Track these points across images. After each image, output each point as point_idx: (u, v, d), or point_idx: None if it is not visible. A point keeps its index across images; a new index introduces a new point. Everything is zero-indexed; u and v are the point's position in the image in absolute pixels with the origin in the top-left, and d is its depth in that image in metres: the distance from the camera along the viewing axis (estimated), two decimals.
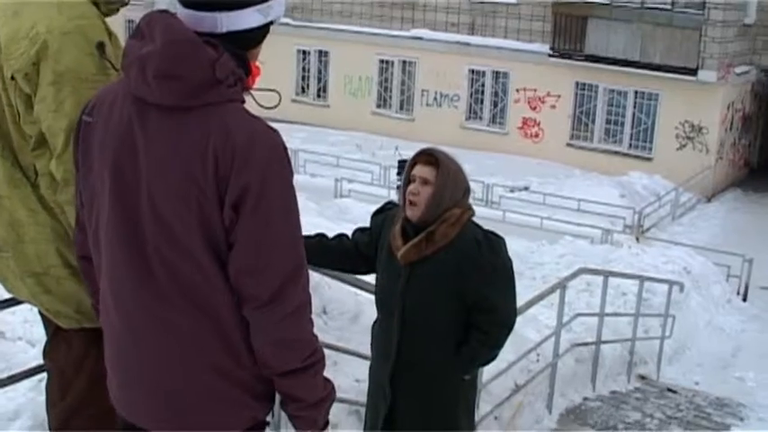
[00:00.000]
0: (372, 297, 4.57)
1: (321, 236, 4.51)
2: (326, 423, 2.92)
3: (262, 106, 2.76)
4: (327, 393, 2.84)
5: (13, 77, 3.16)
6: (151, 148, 2.56)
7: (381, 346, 4.42)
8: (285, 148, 2.62)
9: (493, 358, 4.52)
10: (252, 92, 2.74)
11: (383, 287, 4.40)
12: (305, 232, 2.78)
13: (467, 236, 4.19)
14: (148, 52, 2.53)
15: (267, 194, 2.53)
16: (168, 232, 2.56)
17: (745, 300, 19.38)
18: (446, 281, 4.18)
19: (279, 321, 2.61)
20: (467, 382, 4.46)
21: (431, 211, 4.16)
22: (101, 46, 3.15)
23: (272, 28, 2.77)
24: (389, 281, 4.32)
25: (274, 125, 2.62)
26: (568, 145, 30.71)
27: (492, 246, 4.21)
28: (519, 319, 4.40)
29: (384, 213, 4.50)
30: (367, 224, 4.55)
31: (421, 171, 4.20)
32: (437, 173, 4.17)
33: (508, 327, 4.31)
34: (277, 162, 2.57)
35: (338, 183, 26.22)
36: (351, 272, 4.79)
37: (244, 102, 2.66)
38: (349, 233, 4.57)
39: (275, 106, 2.79)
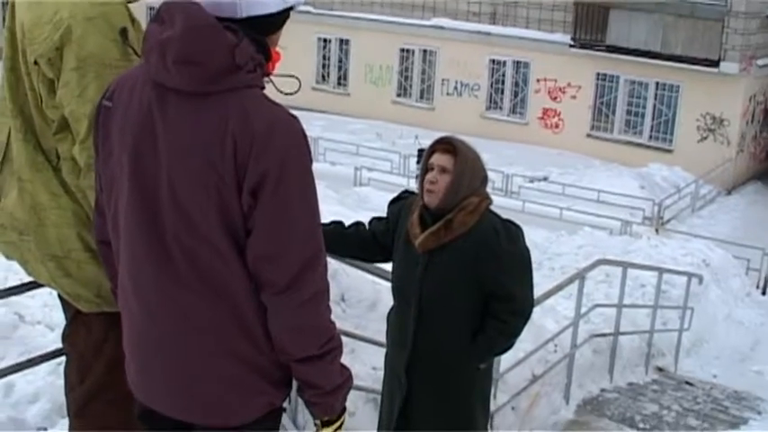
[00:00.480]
0: (390, 285, 4.57)
1: (337, 223, 4.51)
2: (343, 410, 2.93)
3: (282, 92, 2.75)
4: (344, 380, 2.84)
5: (36, 62, 3.16)
6: (170, 134, 2.57)
7: (397, 334, 4.42)
8: (305, 135, 2.61)
9: (509, 347, 4.52)
10: (272, 78, 2.74)
11: (400, 275, 4.40)
12: (323, 220, 2.78)
13: (485, 224, 4.18)
14: (168, 37, 2.53)
15: (286, 180, 2.52)
16: (187, 218, 2.57)
17: (764, 293, 19.33)
18: (464, 269, 4.18)
19: (296, 308, 2.61)
20: (482, 372, 4.46)
21: (449, 199, 4.16)
22: (124, 32, 3.15)
23: (292, 16, 2.76)
24: (407, 269, 4.32)
25: (294, 113, 2.62)
26: (588, 136, 30.63)
27: (510, 234, 4.21)
28: (537, 310, 4.41)
29: (401, 202, 4.50)
30: (385, 211, 4.55)
31: (439, 159, 4.20)
32: (455, 161, 4.17)
33: (525, 316, 4.31)
34: (296, 148, 2.57)
35: (358, 171, 26.22)
36: (366, 260, 4.80)
37: (263, 87, 2.65)
38: (367, 222, 4.57)
39: (295, 92, 2.78)
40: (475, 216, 4.19)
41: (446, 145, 4.23)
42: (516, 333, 4.37)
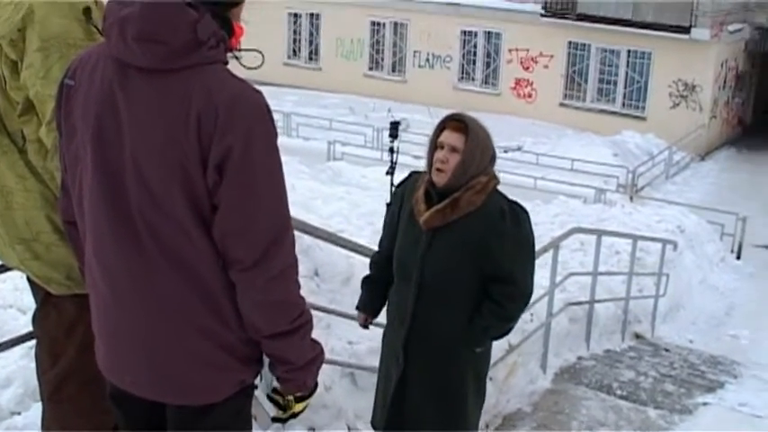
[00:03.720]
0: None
1: (372, 281, 4.55)
2: (316, 385, 2.93)
3: (245, 67, 2.73)
4: (316, 355, 2.83)
5: None
6: (133, 111, 2.53)
7: (396, 311, 4.38)
8: (269, 108, 2.58)
9: (506, 333, 4.47)
10: (236, 53, 2.71)
11: (402, 251, 4.33)
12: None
13: (492, 204, 4.13)
14: (128, 14, 2.49)
15: (251, 156, 2.50)
16: (151, 195, 2.54)
17: (738, 258, 19.47)
18: (467, 248, 4.13)
19: (265, 283, 2.59)
20: (479, 355, 4.42)
21: (458, 179, 4.10)
22: (87, 11, 3.13)
23: None
24: (409, 245, 4.26)
25: (266, 88, 2.60)
26: (561, 105, 30.74)
27: (516, 217, 4.15)
28: None
29: (405, 183, 4.44)
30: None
31: (449, 138, 4.14)
32: (466, 140, 4.12)
33: (524, 300, 4.26)
34: (261, 122, 2.54)
35: (331, 146, 26.18)
36: None
37: (227, 63, 2.62)
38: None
39: (258, 66, 2.75)
40: (482, 195, 4.13)
41: (457, 123, 4.16)
42: (513, 318, 4.32)
